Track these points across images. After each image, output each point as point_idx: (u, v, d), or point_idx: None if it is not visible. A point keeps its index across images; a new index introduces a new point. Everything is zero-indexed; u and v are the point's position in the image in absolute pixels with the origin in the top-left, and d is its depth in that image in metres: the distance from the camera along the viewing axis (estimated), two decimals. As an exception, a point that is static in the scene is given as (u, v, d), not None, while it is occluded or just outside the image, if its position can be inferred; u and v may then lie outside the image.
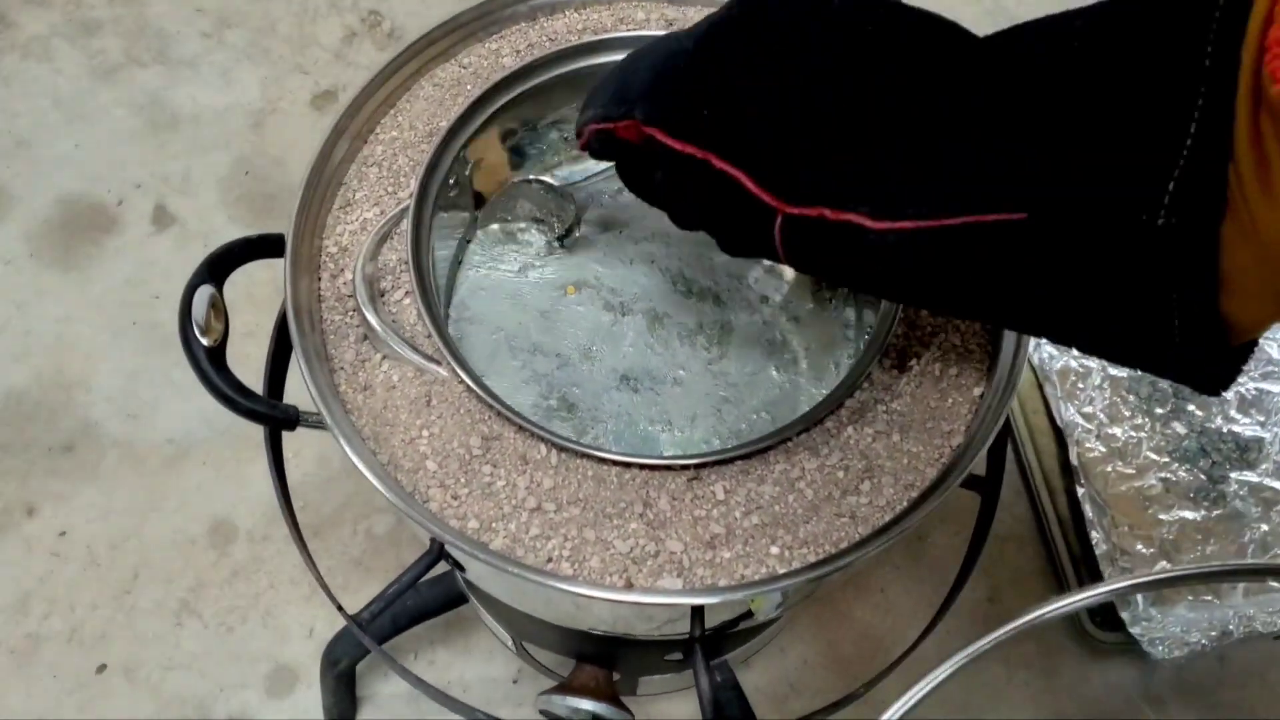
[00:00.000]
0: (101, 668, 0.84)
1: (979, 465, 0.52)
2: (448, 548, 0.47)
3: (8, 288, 0.99)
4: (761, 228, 0.36)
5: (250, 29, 1.15)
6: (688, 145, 0.36)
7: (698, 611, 0.48)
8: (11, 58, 1.12)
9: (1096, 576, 0.81)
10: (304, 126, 1.09)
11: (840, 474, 0.46)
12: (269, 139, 1.08)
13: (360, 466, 0.43)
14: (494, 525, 0.44)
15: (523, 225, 0.57)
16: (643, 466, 0.45)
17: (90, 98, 1.10)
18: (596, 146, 0.43)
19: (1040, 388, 0.89)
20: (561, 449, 0.46)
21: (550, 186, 0.57)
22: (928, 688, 0.39)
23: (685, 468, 0.45)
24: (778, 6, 0.36)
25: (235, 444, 0.93)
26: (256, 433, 0.92)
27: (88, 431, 0.93)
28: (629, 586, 0.43)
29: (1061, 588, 0.86)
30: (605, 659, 0.62)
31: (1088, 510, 0.82)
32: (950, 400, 0.47)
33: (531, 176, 0.57)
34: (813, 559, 0.43)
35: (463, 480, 0.45)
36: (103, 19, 1.15)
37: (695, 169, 0.36)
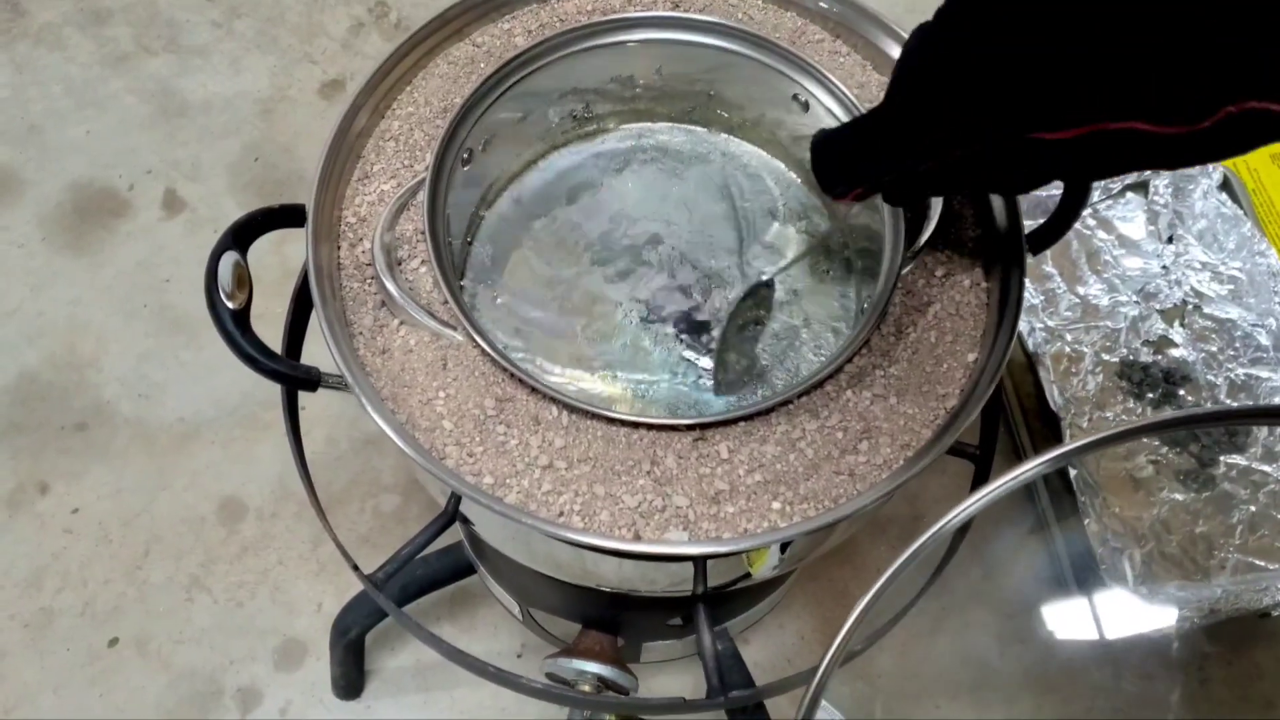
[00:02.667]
0: (113, 641, 0.86)
1: (972, 435, 0.54)
2: (463, 505, 0.49)
3: (21, 271, 1.01)
4: (1166, 157, 0.37)
5: (259, 18, 1.17)
6: (1075, 130, 0.37)
7: (701, 568, 0.50)
8: (24, 45, 1.14)
9: (1087, 554, 0.83)
10: (312, 115, 1.11)
11: (839, 434, 0.47)
12: (277, 127, 1.10)
13: (381, 424, 0.45)
14: (508, 481, 0.46)
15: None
16: (650, 426, 0.47)
17: (101, 85, 1.12)
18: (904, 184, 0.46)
19: (1033, 371, 0.91)
20: (572, 409, 0.48)
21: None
22: (891, 571, 0.42)
23: (691, 428, 0.47)
24: None
25: (244, 423, 0.95)
26: (265, 412, 0.95)
27: (99, 411, 0.95)
28: (637, 539, 0.45)
29: (1054, 566, 0.88)
30: (610, 624, 0.64)
31: (1079, 491, 0.84)
32: (945, 366, 0.49)
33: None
34: (813, 513, 0.45)
35: (478, 439, 0.47)
36: (113, 7, 1.17)
37: (1089, 144, 0.37)
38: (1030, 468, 0.44)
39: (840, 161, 0.45)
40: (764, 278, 0.57)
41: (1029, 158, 0.41)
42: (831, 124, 0.57)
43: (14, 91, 1.11)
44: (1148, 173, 0.98)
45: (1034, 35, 0.36)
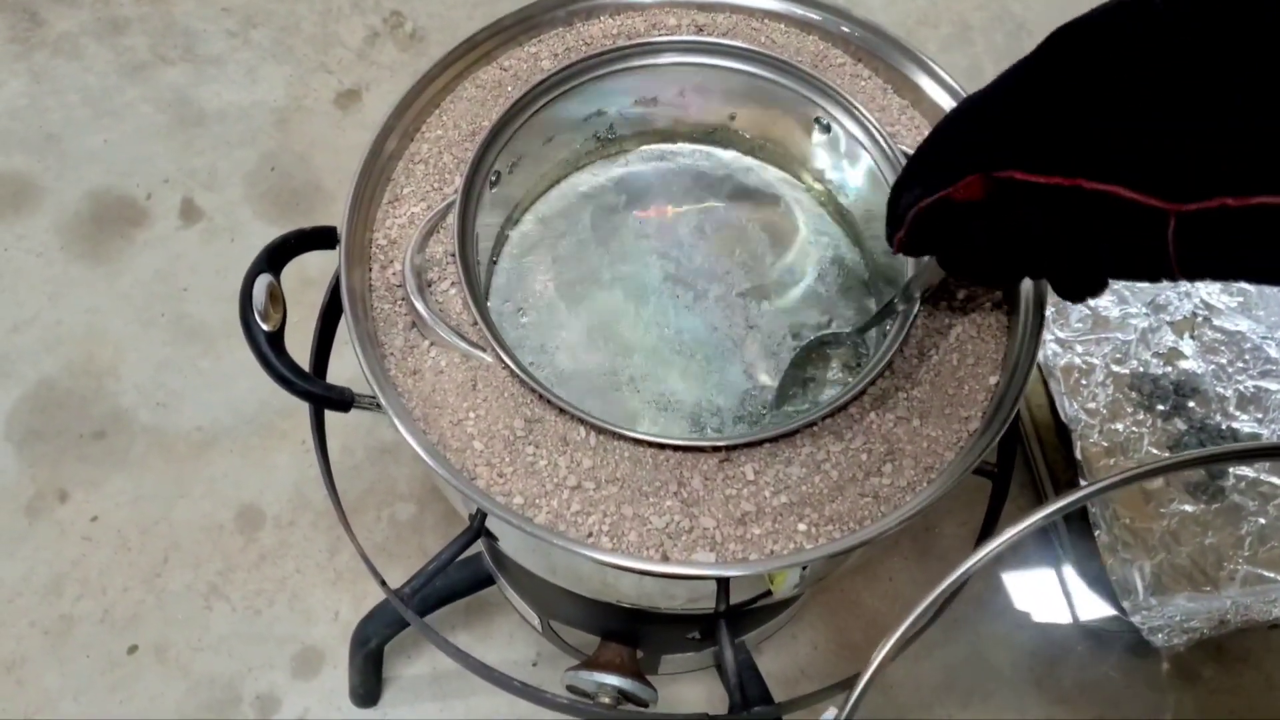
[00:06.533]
0: (133, 648, 0.87)
1: (990, 453, 0.55)
2: (490, 522, 0.50)
3: (39, 279, 1.02)
4: (1149, 242, 0.34)
5: (275, 28, 1.18)
6: (1051, 176, 0.35)
7: (724, 587, 0.51)
8: (42, 54, 1.15)
9: (1098, 566, 0.84)
10: (328, 124, 1.12)
11: (863, 456, 0.48)
12: (293, 136, 1.11)
13: (415, 446, 0.46)
14: (538, 501, 0.47)
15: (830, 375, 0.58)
16: (676, 448, 0.48)
17: (118, 94, 1.13)
18: (925, 226, 0.43)
19: (1045, 384, 0.92)
20: (600, 431, 0.48)
21: (839, 337, 0.58)
22: (914, 616, 0.42)
23: (717, 449, 0.48)
24: (1093, 30, 0.36)
25: (261, 432, 0.95)
26: (282, 421, 0.96)
27: (118, 419, 0.96)
28: (665, 560, 0.46)
29: (1064, 577, 0.88)
30: (630, 637, 0.64)
31: (1090, 502, 0.85)
32: (967, 388, 0.50)
33: (821, 335, 0.58)
34: (838, 535, 0.46)
35: (507, 459, 0.48)
36: (130, 17, 1.18)
37: (1063, 199, 0.35)
38: (1057, 507, 0.45)
39: (889, 204, 0.46)
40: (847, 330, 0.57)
41: (1009, 210, 0.39)
42: (852, 149, 0.58)
43: (32, 100, 1.12)
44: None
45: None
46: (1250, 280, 0.34)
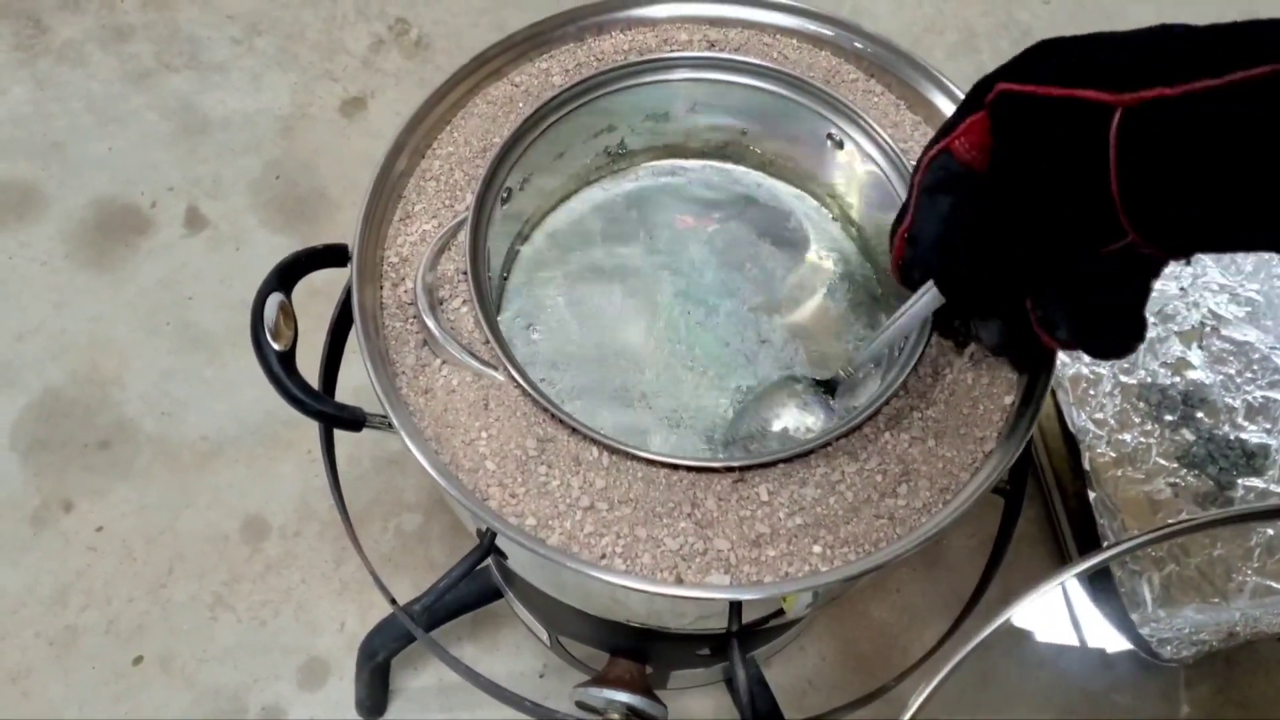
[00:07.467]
0: (138, 659, 0.86)
1: (1004, 472, 0.55)
2: (501, 541, 0.50)
3: (44, 288, 1.02)
4: (1097, 145, 0.36)
5: (280, 35, 1.18)
6: (1025, 85, 0.38)
7: (737, 607, 0.50)
8: (46, 61, 1.14)
9: (1106, 578, 0.84)
10: (333, 132, 1.11)
11: (879, 477, 0.48)
12: (298, 144, 1.11)
13: (426, 466, 0.46)
14: (550, 522, 0.46)
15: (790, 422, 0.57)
16: (690, 469, 0.48)
17: (123, 101, 1.13)
18: (922, 211, 0.45)
19: (1053, 394, 0.91)
20: (613, 451, 0.48)
21: (812, 382, 0.57)
22: (952, 666, 0.42)
23: (730, 470, 0.48)
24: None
25: (267, 442, 0.95)
26: (287, 431, 0.96)
27: (123, 429, 0.96)
28: (679, 582, 0.45)
29: (1073, 589, 0.88)
30: (639, 653, 0.64)
31: (1098, 513, 0.85)
32: (982, 408, 0.50)
33: (792, 374, 0.57)
34: (853, 558, 0.46)
35: (520, 480, 0.47)
36: (135, 24, 1.18)
37: (1036, 106, 0.38)
38: (1085, 565, 0.45)
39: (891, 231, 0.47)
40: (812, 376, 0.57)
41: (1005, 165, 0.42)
42: (865, 165, 0.58)
43: (36, 108, 1.11)
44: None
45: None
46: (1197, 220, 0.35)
